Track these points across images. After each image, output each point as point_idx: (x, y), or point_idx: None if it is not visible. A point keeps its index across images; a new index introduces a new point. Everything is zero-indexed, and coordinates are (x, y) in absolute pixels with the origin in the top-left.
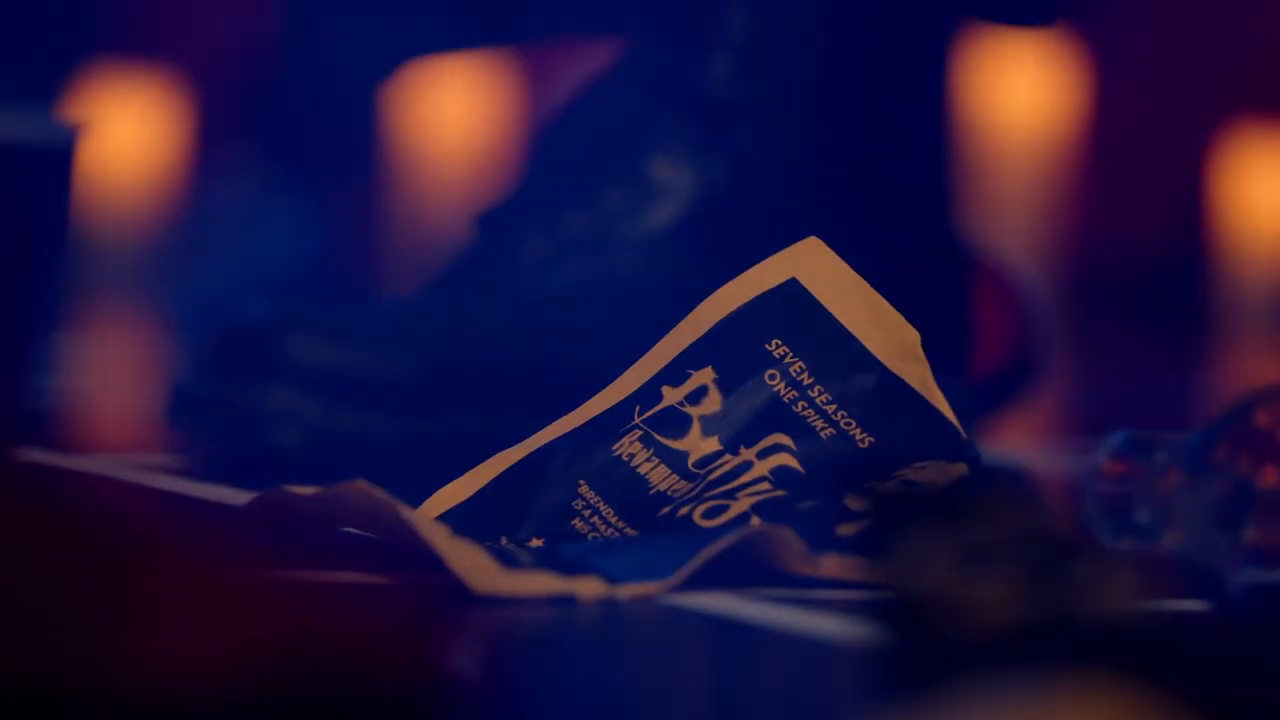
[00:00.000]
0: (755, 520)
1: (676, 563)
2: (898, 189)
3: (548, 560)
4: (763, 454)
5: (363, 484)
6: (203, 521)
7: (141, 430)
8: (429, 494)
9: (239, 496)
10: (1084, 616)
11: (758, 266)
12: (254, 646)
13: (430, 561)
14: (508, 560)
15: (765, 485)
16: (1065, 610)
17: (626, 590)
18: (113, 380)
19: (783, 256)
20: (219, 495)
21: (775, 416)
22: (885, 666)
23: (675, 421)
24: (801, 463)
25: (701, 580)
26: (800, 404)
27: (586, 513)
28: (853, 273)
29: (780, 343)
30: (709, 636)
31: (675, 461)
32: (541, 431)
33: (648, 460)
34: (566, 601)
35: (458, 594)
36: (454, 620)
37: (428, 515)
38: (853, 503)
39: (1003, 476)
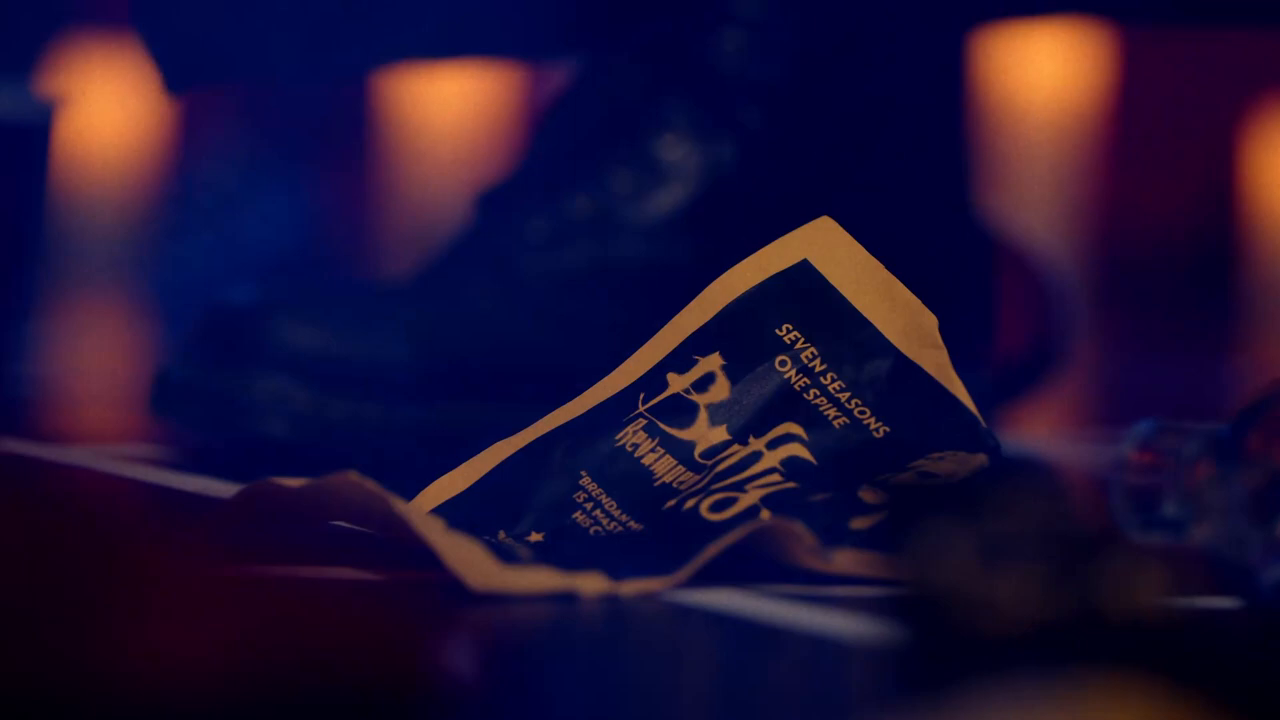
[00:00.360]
0: (765, 513)
1: (682, 558)
2: (915, 170)
3: (548, 555)
4: (773, 444)
5: (354, 475)
6: (186, 515)
7: (122, 419)
8: (423, 486)
9: (224, 488)
10: (1109, 614)
11: (768, 248)
12: (239, 646)
13: (425, 557)
14: (506, 555)
15: (775, 477)
16: (1090, 607)
17: (630, 587)
18: (92, 366)
19: (794, 237)
20: (203, 487)
21: (786, 405)
22: (902, 666)
23: (681, 410)
24: (813, 453)
25: (708, 576)
26: (812, 392)
27: (588, 505)
28: (867, 254)
29: (791, 327)
30: (716, 635)
31: (681, 452)
32: (541, 420)
33: (652, 451)
34: (567, 599)
35: (453, 591)
36: (449, 619)
37: (422, 508)
38: (867, 495)
39: (1024, 468)
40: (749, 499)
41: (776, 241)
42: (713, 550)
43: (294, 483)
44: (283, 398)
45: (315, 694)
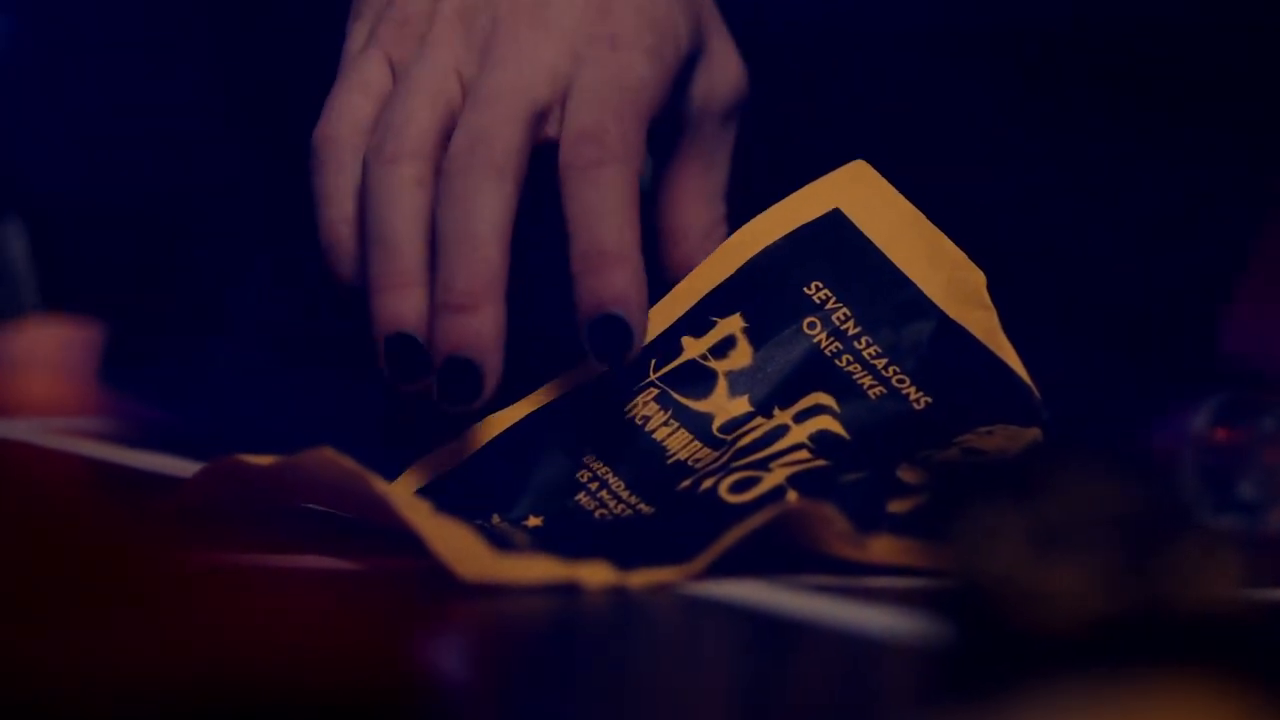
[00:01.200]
0: (792, 495)
1: (698, 545)
2: (957, 113)
3: (547, 542)
4: (800, 417)
5: (329, 452)
6: (142, 496)
7: (70, 389)
8: (408, 464)
9: (184, 467)
10: (1178, 607)
11: (795, 195)
12: (199, 643)
13: (409, 544)
14: (500, 542)
15: (803, 454)
16: (1157, 599)
17: (639, 578)
18: (36, 331)
19: (825, 183)
20: (161, 465)
21: (815, 373)
22: (946, 665)
23: (698, 378)
24: (846, 427)
25: (728, 566)
26: (845, 358)
27: (593, 486)
28: (907, 203)
29: (821, 285)
30: (736, 632)
31: (697, 425)
32: (538, 391)
33: (665, 424)
34: (569, 591)
35: (441, 582)
36: (437, 613)
37: (406, 489)
38: (906, 474)
39: (1083, 443)
40: (774, 478)
41: (805, 188)
42: (733, 536)
43: (262, 460)
44: (247, 366)
45: (286, 698)
